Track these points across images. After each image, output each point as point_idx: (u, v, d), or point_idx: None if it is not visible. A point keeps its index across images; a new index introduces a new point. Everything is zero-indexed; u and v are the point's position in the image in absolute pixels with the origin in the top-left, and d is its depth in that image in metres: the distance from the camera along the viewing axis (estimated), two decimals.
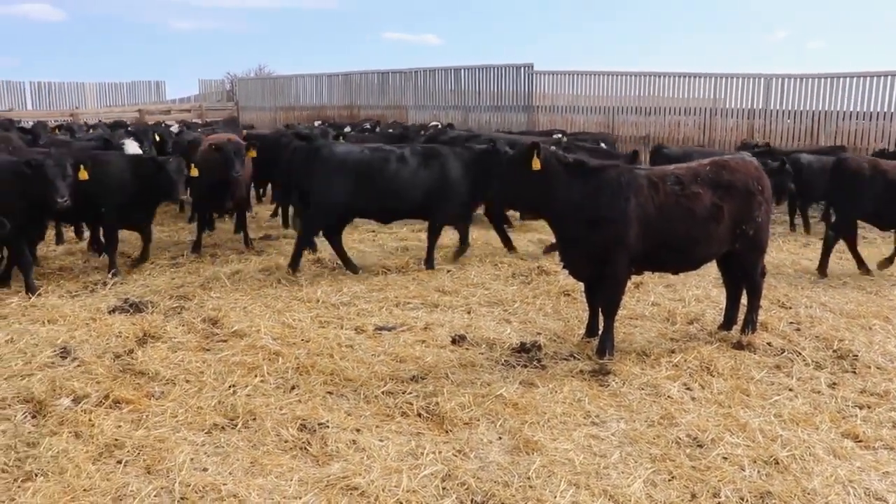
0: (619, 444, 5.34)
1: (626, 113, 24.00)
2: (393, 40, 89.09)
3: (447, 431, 5.49)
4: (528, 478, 4.86)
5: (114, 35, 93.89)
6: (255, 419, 5.61)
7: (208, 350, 7.07)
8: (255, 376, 6.36)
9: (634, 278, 7.85)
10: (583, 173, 6.82)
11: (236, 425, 5.54)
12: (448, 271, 9.82)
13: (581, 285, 7.87)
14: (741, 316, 7.61)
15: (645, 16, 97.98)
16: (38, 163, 8.55)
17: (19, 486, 4.77)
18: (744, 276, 7.49)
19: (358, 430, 5.45)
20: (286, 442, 5.29)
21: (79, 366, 6.66)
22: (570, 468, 4.97)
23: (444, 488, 4.76)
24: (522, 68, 26.16)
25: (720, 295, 8.54)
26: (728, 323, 7.65)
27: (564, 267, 7.27)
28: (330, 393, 6.10)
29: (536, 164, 6.76)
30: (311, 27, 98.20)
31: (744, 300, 7.61)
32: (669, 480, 4.87)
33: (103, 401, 5.92)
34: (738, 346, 7.13)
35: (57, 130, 18.13)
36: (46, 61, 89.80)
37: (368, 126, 21.47)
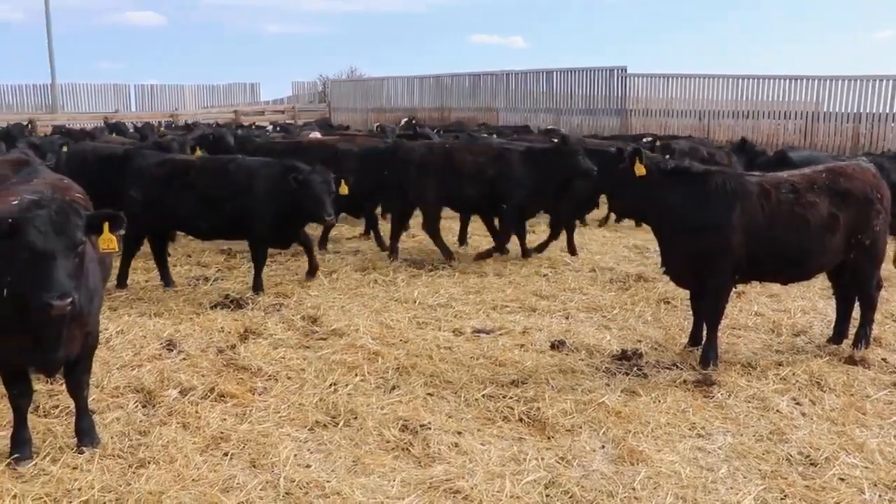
0: (727, 458, 5.17)
1: (722, 117, 23.43)
2: (480, 43, 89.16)
3: (549, 438, 5.42)
4: (633, 489, 4.75)
5: (211, 39, 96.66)
6: (356, 418, 5.65)
7: (308, 347, 7.16)
8: (356, 375, 6.41)
9: (737, 287, 7.61)
10: (685, 179, 6.66)
11: (338, 423, 5.59)
12: (544, 275, 9.73)
13: (681, 293, 7.71)
14: (852, 330, 7.29)
15: (741, 17, 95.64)
16: (305, 177, 8.65)
17: (134, 472, 4.92)
18: (857, 288, 7.17)
19: (460, 433, 5.42)
20: (388, 442, 5.31)
21: (185, 359, 6.84)
22: (677, 481, 4.84)
23: (547, 495, 4.69)
24: (616, 71, 25.84)
25: (827, 307, 8.23)
26: (838, 336, 7.34)
27: (666, 273, 7.11)
28: (430, 394, 6.09)
29: (640, 170, 6.64)
30: (399, 30, 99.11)
31: (856, 313, 7.29)
32: (782, 499, 4.69)
33: (209, 394, 6.06)
34: (851, 361, 6.82)
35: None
36: (149, 65, 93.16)
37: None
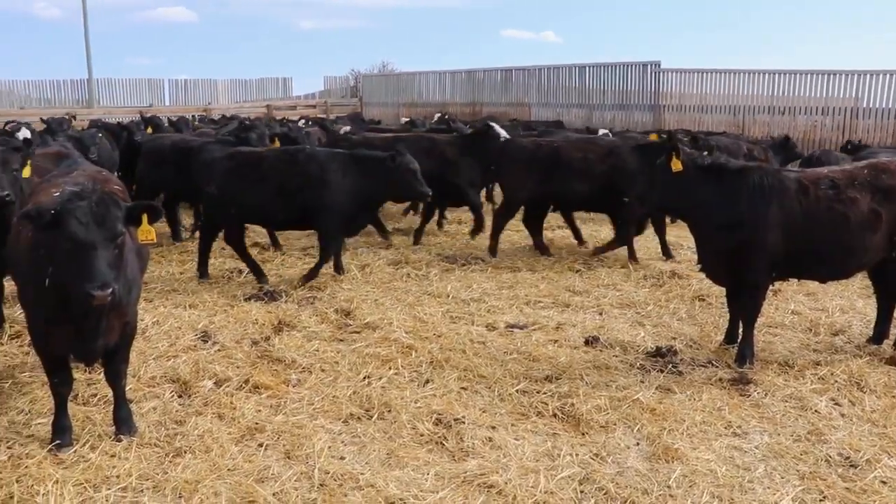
0: (764, 457, 5.11)
1: (757, 113, 23.14)
2: (512, 38, 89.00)
3: (583, 434, 5.39)
4: (669, 486, 4.72)
5: (243, 34, 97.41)
6: (390, 411, 5.67)
7: (342, 340, 7.20)
8: (389, 368, 6.43)
9: (774, 284, 7.52)
10: (721, 175, 6.59)
11: (372, 416, 5.61)
12: (577, 271, 9.68)
13: (716, 290, 7.63)
14: (894, 330, 7.17)
15: (777, 11, 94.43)
16: (401, 160, 8.97)
17: (170, 461, 4.99)
18: None
19: (493, 428, 5.42)
20: (422, 435, 5.32)
21: (219, 350, 6.90)
22: (713, 479, 4.79)
23: (581, 491, 4.67)
24: (649, 66, 25.59)
25: (867, 306, 8.11)
26: (879, 337, 7.21)
27: (702, 270, 7.05)
28: (464, 389, 6.09)
29: (677, 166, 6.59)
30: (431, 25, 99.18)
31: None
32: (821, 501, 4.63)
33: (243, 385, 6.12)
34: (892, 361, 6.70)
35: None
36: (182, 60, 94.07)
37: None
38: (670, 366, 6.54)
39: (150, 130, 15.88)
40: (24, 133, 14.79)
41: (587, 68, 27.65)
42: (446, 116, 22.86)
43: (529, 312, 8.04)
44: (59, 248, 4.50)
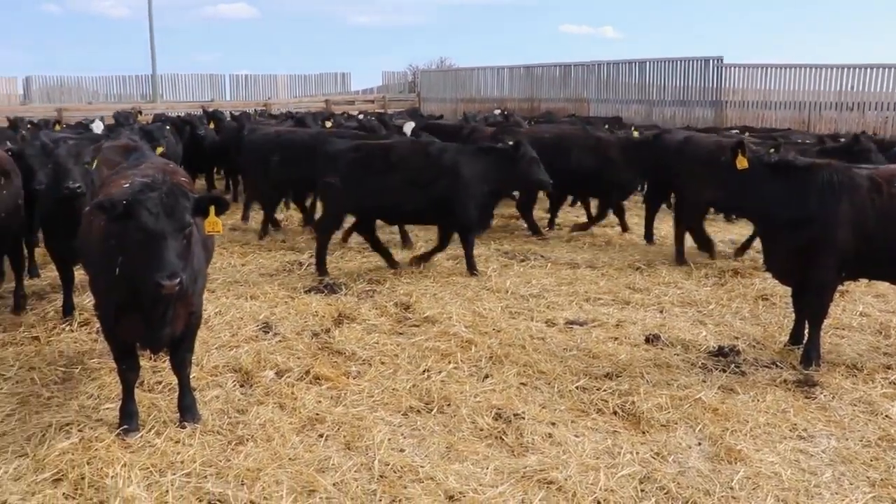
0: (831, 462, 4.99)
1: (824, 109, 22.57)
2: (570, 33, 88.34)
3: (644, 432, 5.34)
4: (731, 488, 4.65)
5: (303, 30, 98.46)
6: (449, 405, 5.68)
7: (401, 334, 7.24)
8: (449, 363, 6.44)
9: (842, 285, 7.33)
10: (789, 172, 6.45)
11: (431, 409, 5.64)
12: (638, 268, 9.57)
13: (780, 289, 7.47)
14: None
15: (844, 4, 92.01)
16: (524, 150, 9.26)
17: (233, 449, 5.08)
18: None
19: (553, 424, 5.40)
20: (482, 430, 5.32)
21: (280, 341, 7.00)
22: (777, 482, 4.71)
23: (642, 490, 4.63)
24: (711, 61, 25.12)
25: None
26: None
27: (767, 269, 6.91)
28: (524, 384, 6.08)
29: (743, 163, 6.47)
30: (487, 20, 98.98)
31: None
32: None
33: (304, 376, 6.19)
34: None
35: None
36: (243, 56, 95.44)
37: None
38: (733, 366, 6.42)
39: (212, 125, 16.16)
40: (97, 126, 15.26)
41: (647, 63, 27.29)
42: (504, 112, 22.77)
43: (589, 309, 7.98)
44: (130, 239, 4.62)
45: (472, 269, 9.23)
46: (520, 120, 18.38)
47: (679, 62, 26.24)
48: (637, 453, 5.02)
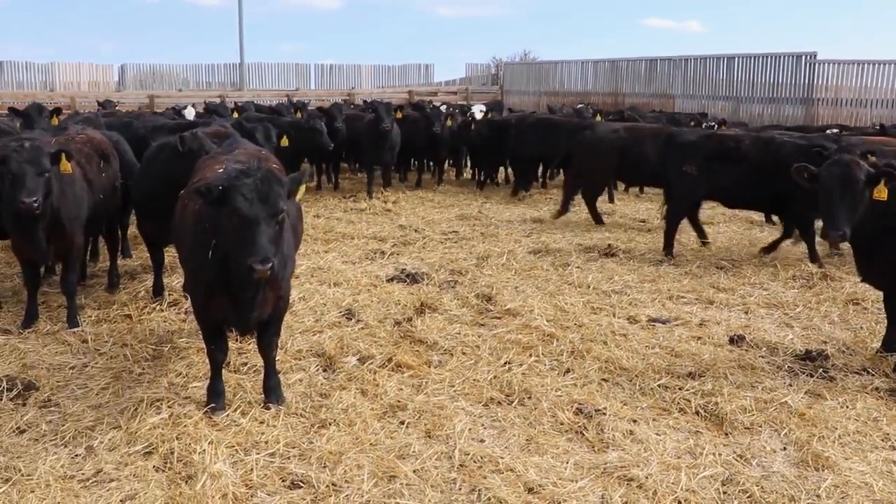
0: None
1: None
2: (654, 27, 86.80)
3: (727, 434, 5.23)
4: (818, 496, 4.51)
5: (386, 21, 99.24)
6: (530, 398, 5.68)
7: (483, 325, 7.26)
8: (530, 356, 6.43)
9: None
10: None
11: (512, 402, 5.64)
12: (722, 268, 9.37)
13: (872, 293, 7.22)
14: None
15: None
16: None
17: (315, 432, 5.17)
18: None
19: (634, 421, 5.34)
20: (562, 424, 5.30)
21: (363, 328, 7.09)
22: (868, 493, 4.54)
23: (724, 492, 4.54)
24: (803, 57, 24.34)
25: None
26: None
27: (860, 273, 6.67)
28: (605, 380, 6.03)
29: (882, 195, 6.18)
30: (570, 13, 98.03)
31: None
32: None
33: (386, 363, 6.26)
34: None
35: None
36: (328, 46, 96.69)
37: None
38: (821, 370, 6.23)
39: (299, 114, 16.45)
40: (189, 111, 15.74)
41: (736, 59, 26.58)
42: (587, 106, 22.52)
43: (672, 307, 7.86)
44: (225, 223, 4.75)
45: (814, 260, 9.54)
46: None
47: (769, 58, 25.49)
48: (720, 455, 4.93)
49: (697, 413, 5.50)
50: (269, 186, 4.73)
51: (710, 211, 13.15)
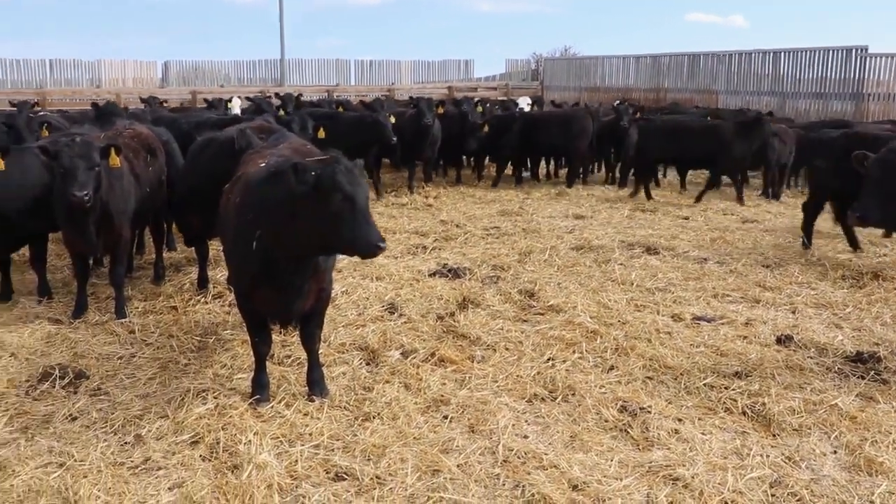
0: None
1: None
2: (696, 22, 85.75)
3: (774, 435, 5.15)
4: (871, 502, 4.42)
5: (426, 16, 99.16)
6: (574, 394, 5.65)
7: (526, 321, 7.23)
8: (574, 352, 6.40)
9: None
10: None
11: (556, 398, 5.61)
12: (768, 266, 9.23)
13: None
14: None
15: None
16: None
17: (359, 425, 5.20)
18: None
19: (680, 420, 5.28)
20: (606, 421, 5.26)
21: (406, 322, 7.10)
22: None
23: (773, 495, 4.46)
24: (854, 51, 23.84)
25: None
26: None
27: None
28: (649, 378, 5.98)
29: None
30: (612, 8, 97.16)
31: None
32: None
33: (429, 358, 6.27)
34: None
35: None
36: (368, 41, 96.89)
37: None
38: (873, 373, 6.10)
39: (340, 109, 16.54)
40: (236, 103, 15.93)
41: (782, 54, 26.14)
42: (626, 104, 22.30)
43: (717, 306, 7.75)
44: (322, 210, 4.68)
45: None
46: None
47: (818, 52, 25.01)
48: (767, 456, 4.86)
49: (744, 413, 5.42)
50: (357, 174, 4.79)
51: (754, 209, 13.01)
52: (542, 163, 17.19)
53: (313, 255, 5.07)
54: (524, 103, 19.56)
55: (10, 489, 4.43)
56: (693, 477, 4.57)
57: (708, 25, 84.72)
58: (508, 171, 16.42)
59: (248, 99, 18.82)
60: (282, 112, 14.71)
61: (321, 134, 11.42)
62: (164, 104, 18.23)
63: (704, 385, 5.82)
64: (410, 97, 23.03)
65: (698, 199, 13.72)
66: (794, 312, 7.62)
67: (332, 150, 5.14)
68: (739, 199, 13.65)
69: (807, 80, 25.20)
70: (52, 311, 7.49)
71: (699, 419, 5.33)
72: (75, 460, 4.70)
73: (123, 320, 7.23)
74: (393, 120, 13.77)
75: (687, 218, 12.24)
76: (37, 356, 6.39)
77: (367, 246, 4.67)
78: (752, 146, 13.49)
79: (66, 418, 5.30)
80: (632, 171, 14.70)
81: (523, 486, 4.46)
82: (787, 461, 4.82)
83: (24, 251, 8.26)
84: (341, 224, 4.66)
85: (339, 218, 4.65)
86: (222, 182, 6.01)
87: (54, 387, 5.75)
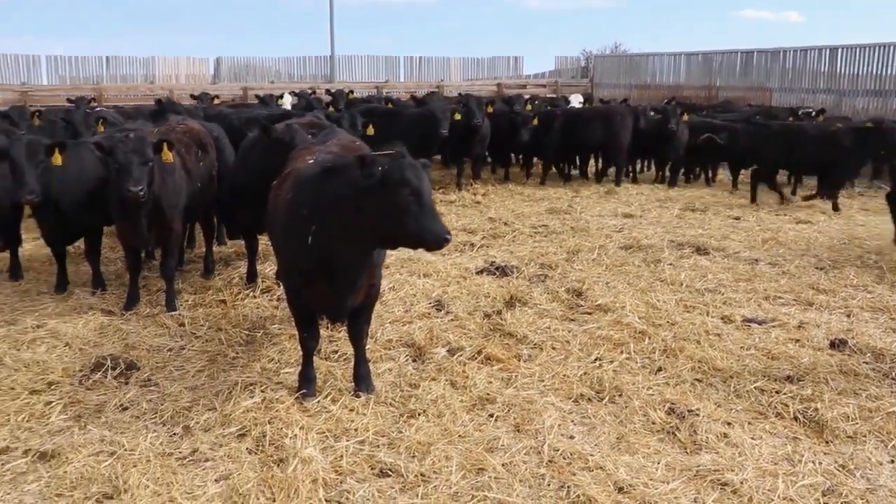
0: None
1: None
2: (750, 18, 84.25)
3: (827, 442, 5.03)
4: None
5: (475, 13, 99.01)
6: (621, 395, 5.59)
7: (573, 320, 7.17)
8: (621, 353, 6.33)
9: None
10: None
11: (602, 399, 5.56)
12: (822, 268, 9.02)
13: None
14: None
15: None
16: None
17: (405, 421, 5.20)
18: None
19: (729, 424, 5.19)
20: (653, 423, 5.20)
21: (452, 320, 7.10)
22: None
23: (825, 503, 4.36)
24: None
25: None
26: None
27: None
28: (698, 380, 5.88)
29: None
30: (663, 4, 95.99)
31: None
32: None
33: (476, 355, 6.25)
34: None
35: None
36: (417, 38, 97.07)
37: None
38: None
39: (389, 105, 16.60)
40: (287, 99, 16.08)
41: (840, 50, 25.50)
42: (675, 104, 21.99)
43: (768, 308, 7.59)
44: (393, 202, 4.70)
45: None
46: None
47: (877, 48, 24.36)
48: (820, 463, 4.74)
49: (796, 418, 5.31)
50: (421, 169, 4.82)
51: (808, 210, 12.74)
52: (591, 161, 17.03)
53: (373, 249, 5.12)
54: (576, 101, 19.42)
55: (63, 476, 4.53)
56: (742, 482, 4.48)
57: (762, 22, 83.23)
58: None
59: (294, 94, 18.98)
60: (331, 108, 14.79)
61: (370, 131, 11.45)
62: (216, 100, 18.42)
63: (755, 389, 5.71)
64: (459, 94, 23.02)
65: (808, 199, 13.57)
66: (848, 316, 7.43)
67: (365, 149, 5.15)
68: (835, 207, 13.13)
69: (865, 77, 24.59)
70: (105, 303, 7.64)
71: (749, 423, 5.24)
72: (125, 450, 4.79)
73: (174, 313, 7.33)
74: (458, 117, 13.74)
75: (738, 218, 12.01)
76: (90, 346, 6.52)
77: (435, 238, 4.70)
78: (870, 153, 13.16)
79: (118, 408, 5.40)
80: (681, 170, 14.49)
81: (568, 487, 4.43)
82: (840, 469, 4.70)
83: (80, 244, 8.43)
84: (409, 217, 4.69)
85: (406, 211, 4.68)
86: (273, 178, 6.06)
87: (106, 377, 5.87)
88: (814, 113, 14.10)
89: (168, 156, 7.07)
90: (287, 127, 7.43)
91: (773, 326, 7.06)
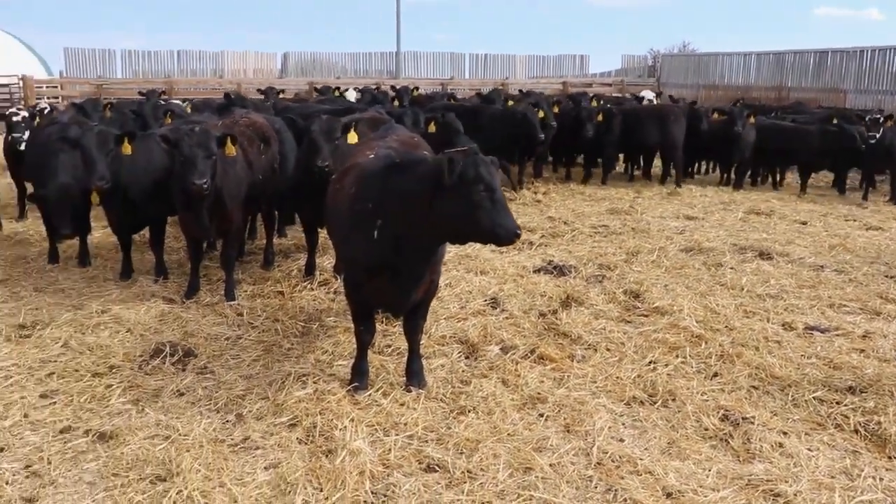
0: None
1: None
2: (826, 16, 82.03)
3: (890, 457, 4.87)
4: None
5: (541, 10, 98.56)
6: (674, 400, 5.51)
7: (629, 322, 7.09)
8: (677, 356, 6.24)
9: None
10: None
11: (655, 402, 5.49)
12: (892, 277, 8.73)
13: None
14: None
15: None
16: None
17: (454, 418, 5.21)
18: None
19: (785, 434, 5.07)
20: (706, 430, 5.11)
21: (507, 318, 7.08)
22: None
23: None
24: None
25: None
26: None
27: None
28: (755, 388, 5.76)
29: None
30: (734, 3, 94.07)
31: None
32: None
33: (529, 354, 6.23)
34: None
35: None
36: (482, 35, 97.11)
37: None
38: None
39: (451, 101, 16.62)
40: (351, 94, 16.25)
41: None
42: (742, 106, 21.55)
43: (832, 316, 7.38)
44: (471, 197, 4.75)
45: None
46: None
47: None
48: (881, 479, 4.59)
49: (856, 431, 5.15)
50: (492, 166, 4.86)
51: (878, 216, 12.38)
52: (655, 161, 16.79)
53: (440, 245, 5.20)
54: (649, 96, 19.21)
55: (120, 456, 4.67)
56: (796, 494, 4.38)
57: (839, 19, 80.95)
58: (619, 168, 16.15)
59: (357, 90, 19.16)
60: (396, 104, 14.86)
61: (432, 128, 11.46)
62: (282, 94, 18.70)
63: (814, 398, 5.56)
64: (520, 90, 22.91)
65: None
66: None
67: (423, 145, 5.18)
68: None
69: None
70: (166, 291, 7.82)
71: (806, 434, 5.11)
72: (180, 434, 4.90)
73: (232, 303, 7.47)
74: (541, 114, 13.63)
75: (805, 223, 11.69)
76: (150, 332, 6.68)
77: (507, 234, 4.77)
78: None
79: (174, 394, 5.53)
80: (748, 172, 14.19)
81: (615, 491, 4.39)
82: None
83: (144, 233, 8.64)
84: (482, 213, 4.74)
85: (480, 207, 4.73)
86: (329, 173, 6.13)
87: (164, 363, 6.02)
88: (881, 119, 13.59)
89: (231, 150, 7.20)
90: (320, 119, 7.60)
91: (837, 335, 6.87)
